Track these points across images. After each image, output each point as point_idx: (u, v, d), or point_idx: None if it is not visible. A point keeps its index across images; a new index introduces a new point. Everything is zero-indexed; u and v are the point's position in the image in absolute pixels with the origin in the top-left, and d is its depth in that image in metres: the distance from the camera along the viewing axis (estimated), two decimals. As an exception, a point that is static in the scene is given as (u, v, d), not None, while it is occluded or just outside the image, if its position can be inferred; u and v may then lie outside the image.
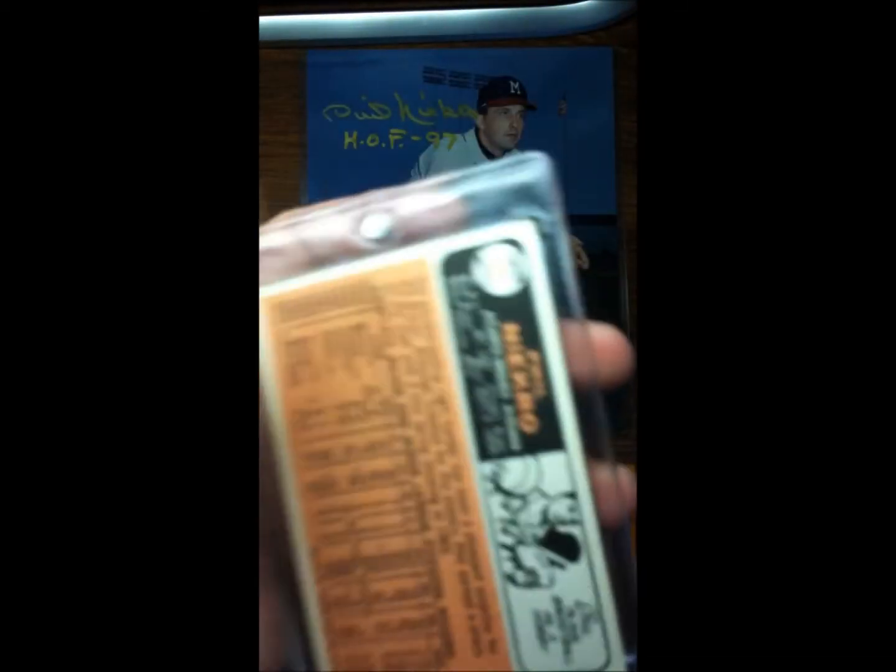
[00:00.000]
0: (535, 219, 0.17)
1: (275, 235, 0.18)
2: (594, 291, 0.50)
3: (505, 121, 0.51)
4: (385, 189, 0.18)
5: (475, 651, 0.17)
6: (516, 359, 0.17)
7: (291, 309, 0.18)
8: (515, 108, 0.51)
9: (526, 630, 0.17)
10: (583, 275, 0.20)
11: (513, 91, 0.51)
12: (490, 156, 0.51)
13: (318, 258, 0.18)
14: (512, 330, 0.17)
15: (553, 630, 0.17)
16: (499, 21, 0.42)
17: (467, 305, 0.17)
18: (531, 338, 0.17)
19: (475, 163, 0.46)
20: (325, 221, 0.18)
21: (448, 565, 0.17)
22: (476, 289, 0.17)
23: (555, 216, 0.17)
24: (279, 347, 0.18)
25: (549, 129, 0.51)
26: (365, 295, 0.18)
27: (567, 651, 0.17)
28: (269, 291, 0.18)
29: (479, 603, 0.17)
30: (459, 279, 0.17)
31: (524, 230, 0.17)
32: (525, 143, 0.51)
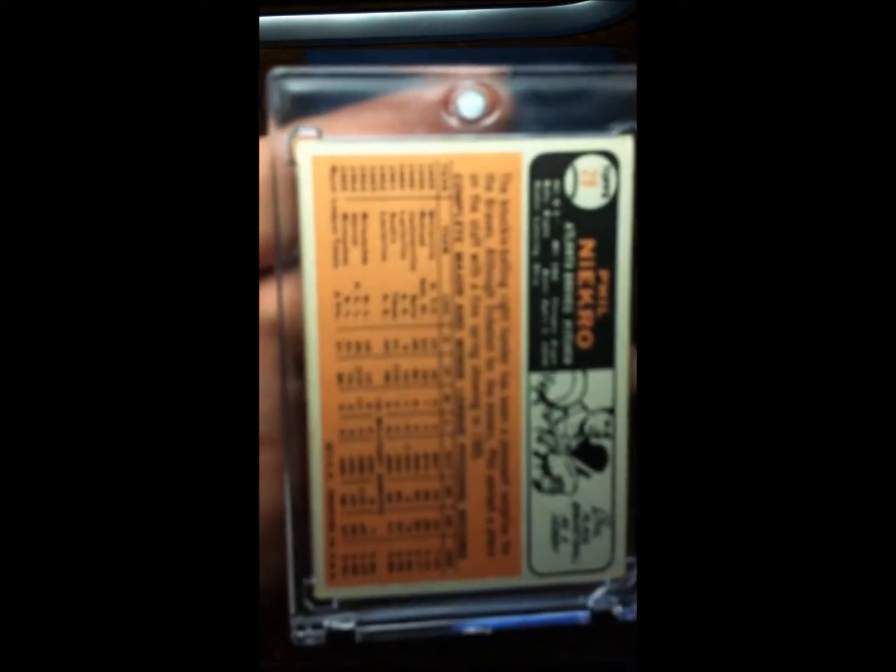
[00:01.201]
0: (635, 133, 0.17)
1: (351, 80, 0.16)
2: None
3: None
4: (480, 67, 0.16)
5: (488, 552, 0.17)
6: (586, 275, 0.17)
7: (350, 177, 0.16)
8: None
9: (541, 533, 0.18)
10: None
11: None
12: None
13: (395, 124, 0.16)
14: (588, 245, 0.17)
15: (567, 533, 0.17)
16: (499, 21, 0.42)
17: (549, 213, 0.17)
18: (605, 255, 0.17)
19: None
20: (413, 83, 0.16)
21: (476, 469, 0.17)
22: (562, 197, 0.16)
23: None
24: (327, 218, 0.16)
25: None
26: (443, 180, 0.16)
27: (576, 552, 0.18)
28: (326, 149, 0.16)
29: (501, 507, 0.17)
30: (548, 184, 0.16)
31: (623, 145, 0.16)
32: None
